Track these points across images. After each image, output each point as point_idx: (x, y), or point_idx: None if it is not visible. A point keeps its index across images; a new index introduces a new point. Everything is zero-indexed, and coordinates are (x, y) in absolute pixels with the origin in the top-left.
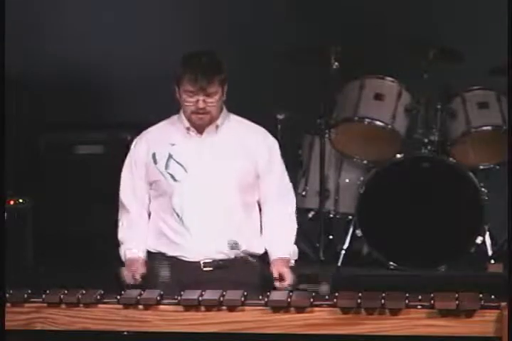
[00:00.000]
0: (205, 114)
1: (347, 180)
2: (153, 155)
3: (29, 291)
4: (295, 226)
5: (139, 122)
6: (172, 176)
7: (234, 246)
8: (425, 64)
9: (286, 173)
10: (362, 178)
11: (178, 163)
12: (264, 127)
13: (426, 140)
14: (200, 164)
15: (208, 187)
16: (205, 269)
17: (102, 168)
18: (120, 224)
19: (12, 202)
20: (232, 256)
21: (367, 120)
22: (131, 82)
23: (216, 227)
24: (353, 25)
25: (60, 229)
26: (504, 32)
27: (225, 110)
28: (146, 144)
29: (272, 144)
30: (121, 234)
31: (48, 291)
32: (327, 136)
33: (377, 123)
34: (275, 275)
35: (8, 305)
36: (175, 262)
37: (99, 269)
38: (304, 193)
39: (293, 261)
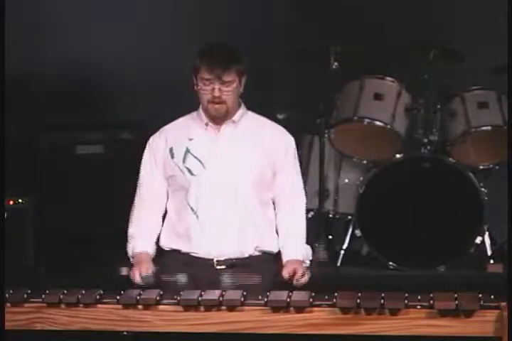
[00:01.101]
0: (221, 103)
1: (346, 180)
2: (171, 149)
3: (29, 291)
4: (305, 226)
5: (139, 122)
6: (189, 170)
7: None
8: (425, 64)
9: (300, 173)
10: (361, 178)
11: (195, 157)
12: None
13: (426, 140)
14: (217, 159)
15: (224, 183)
16: (218, 267)
17: (102, 168)
18: (132, 219)
19: (12, 202)
20: (247, 255)
21: (366, 120)
22: (131, 82)
23: (231, 223)
24: (353, 25)
25: (60, 229)
26: (504, 32)
27: (243, 106)
28: (164, 140)
29: (290, 143)
30: (132, 230)
31: (47, 291)
32: (326, 135)
33: (377, 123)
34: (285, 275)
35: (8, 305)
36: (189, 259)
37: (99, 269)
38: None
39: (308, 262)
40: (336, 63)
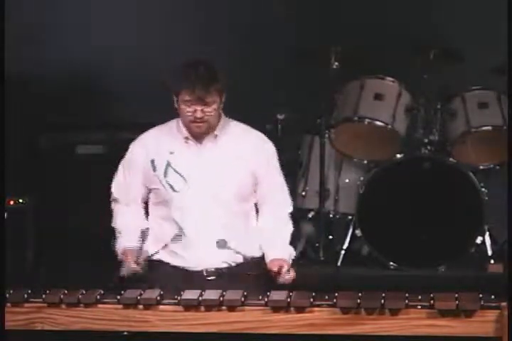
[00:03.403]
0: (203, 122)
1: (347, 180)
2: (152, 161)
3: (29, 291)
4: (291, 228)
5: (139, 122)
6: (171, 186)
7: (222, 244)
8: (425, 64)
9: (282, 177)
10: (362, 178)
11: (177, 172)
12: (264, 127)
13: (426, 140)
14: (199, 174)
15: (208, 198)
16: (208, 278)
17: (102, 168)
18: (114, 217)
19: (12, 202)
20: (234, 264)
21: (367, 120)
22: (131, 82)
23: (217, 236)
24: (353, 25)
25: (60, 229)
26: (504, 32)
27: (223, 117)
28: (144, 149)
29: (271, 150)
30: (117, 225)
31: (48, 291)
32: (327, 136)
33: (377, 123)
34: (274, 269)
35: (8, 305)
36: (178, 272)
37: (99, 269)
38: (303, 193)
39: (290, 262)
40: (336, 63)
